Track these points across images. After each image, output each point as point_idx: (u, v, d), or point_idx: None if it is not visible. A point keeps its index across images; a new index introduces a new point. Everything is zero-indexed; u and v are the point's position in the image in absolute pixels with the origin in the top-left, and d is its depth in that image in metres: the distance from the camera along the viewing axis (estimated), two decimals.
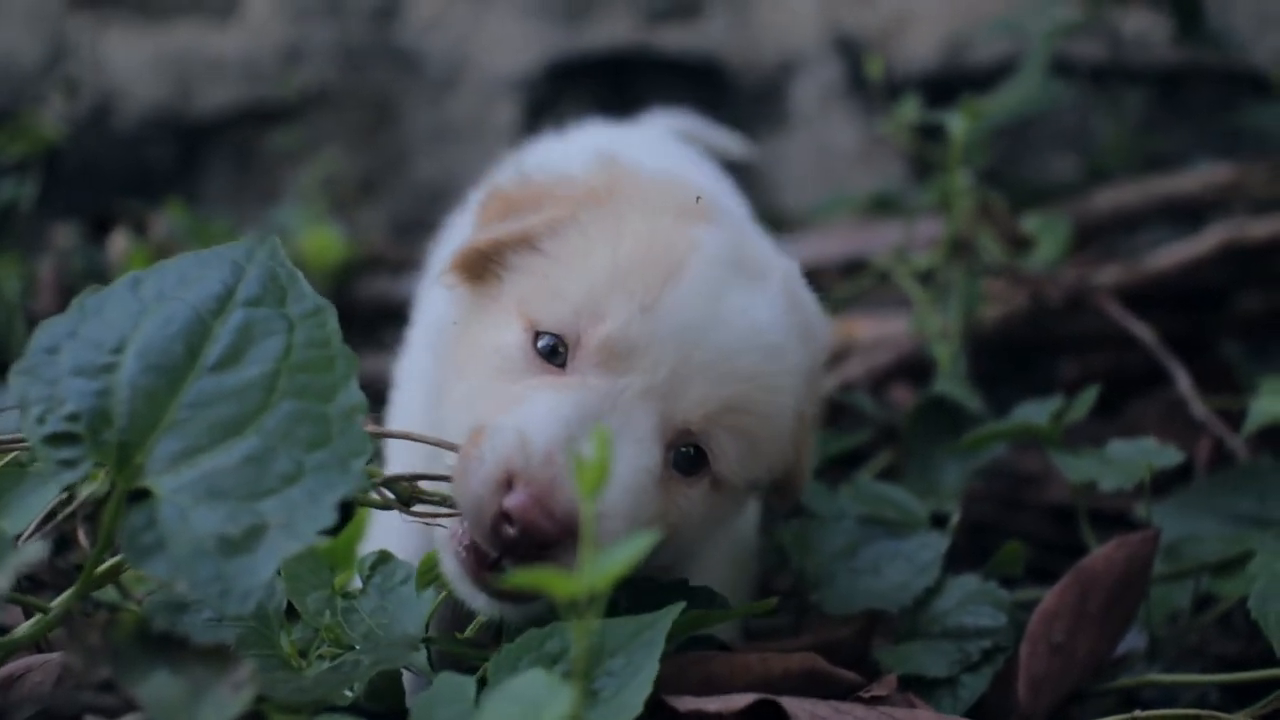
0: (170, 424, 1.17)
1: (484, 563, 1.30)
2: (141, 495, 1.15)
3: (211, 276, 1.26)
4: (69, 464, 1.16)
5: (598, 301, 1.37)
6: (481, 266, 1.49)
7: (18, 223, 2.99)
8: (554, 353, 1.39)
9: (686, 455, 1.41)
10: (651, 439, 1.36)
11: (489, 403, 1.37)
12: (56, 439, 1.16)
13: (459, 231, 1.80)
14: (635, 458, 1.34)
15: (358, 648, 1.31)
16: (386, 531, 1.65)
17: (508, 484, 1.26)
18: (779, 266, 1.52)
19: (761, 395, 1.41)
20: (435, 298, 1.64)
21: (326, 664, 1.30)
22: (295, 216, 3.15)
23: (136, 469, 1.15)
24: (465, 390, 1.43)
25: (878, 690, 1.46)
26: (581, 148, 1.67)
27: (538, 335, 1.40)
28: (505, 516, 1.25)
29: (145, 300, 1.24)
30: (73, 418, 1.16)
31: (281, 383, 1.20)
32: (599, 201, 1.47)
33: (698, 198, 1.49)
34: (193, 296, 1.24)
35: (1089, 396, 1.90)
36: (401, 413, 1.74)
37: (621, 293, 1.37)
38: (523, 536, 1.25)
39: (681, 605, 1.29)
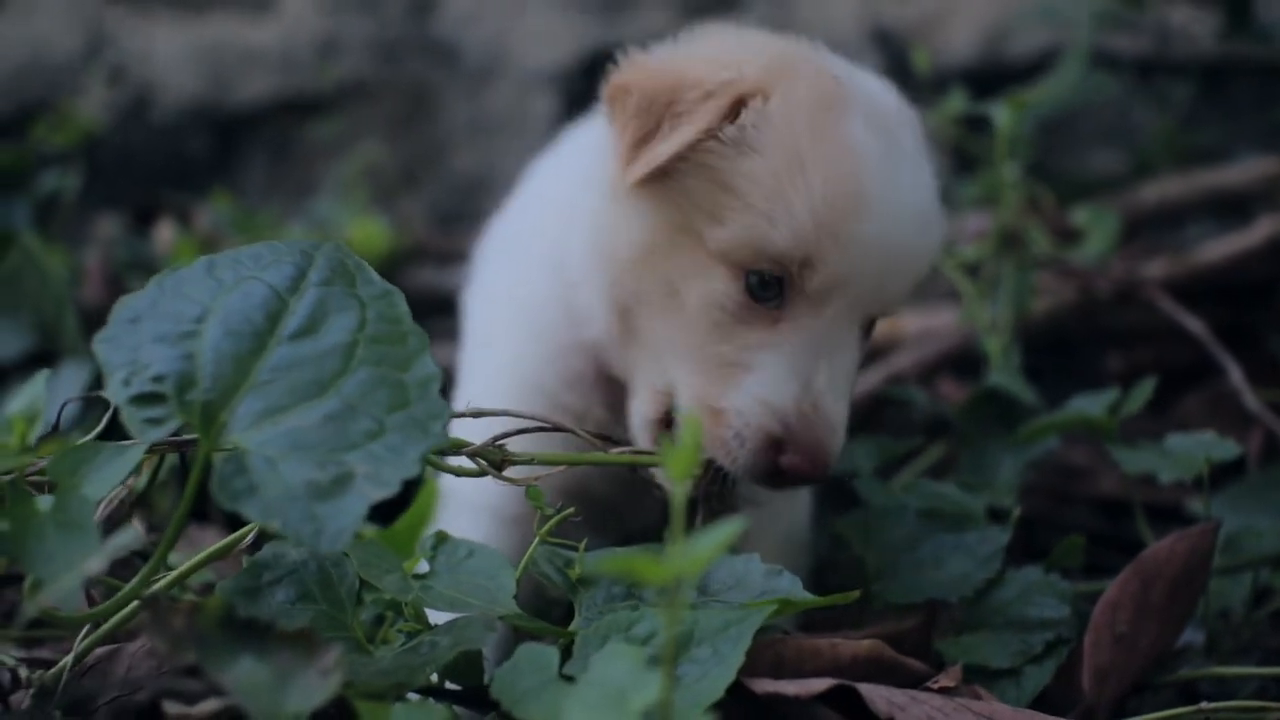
0: (253, 385, 1.21)
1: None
2: (225, 453, 1.17)
3: (284, 262, 1.30)
4: (155, 422, 1.18)
5: (806, 248, 1.43)
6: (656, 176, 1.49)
7: (62, 213, 3.00)
8: (765, 287, 1.46)
9: (866, 327, 1.55)
10: (856, 341, 1.52)
11: (710, 369, 1.47)
12: (142, 399, 1.19)
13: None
14: (849, 365, 1.50)
15: (435, 625, 1.32)
16: (455, 519, 1.65)
17: (776, 447, 1.43)
18: (894, 108, 1.57)
19: (931, 261, 1.57)
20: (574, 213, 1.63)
21: (399, 646, 1.31)
22: (336, 208, 3.15)
23: (220, 427, 1.19)
24: (673, 341, 1.49)
25: (945, 681, 1.46)
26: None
27: (747, 273, 1.45)
28: (781, 472, 1.44)
29: (222, 280, 1.28)
30: (158, 379, 1.20)
31: (359, 352, 1.24)
32: (755, 96, 1.47)
33: (835, 78, 1.51)
34: (268, 277, 1.29)
35: (1145, 389, 1.90)
36: (479, 387, 1.73)
37: (827, 237, 1.43)
38: (794, 483, 1.46)
39: (774, 604, 1.30)
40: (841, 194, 1.43)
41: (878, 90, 1.59)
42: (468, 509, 1.65)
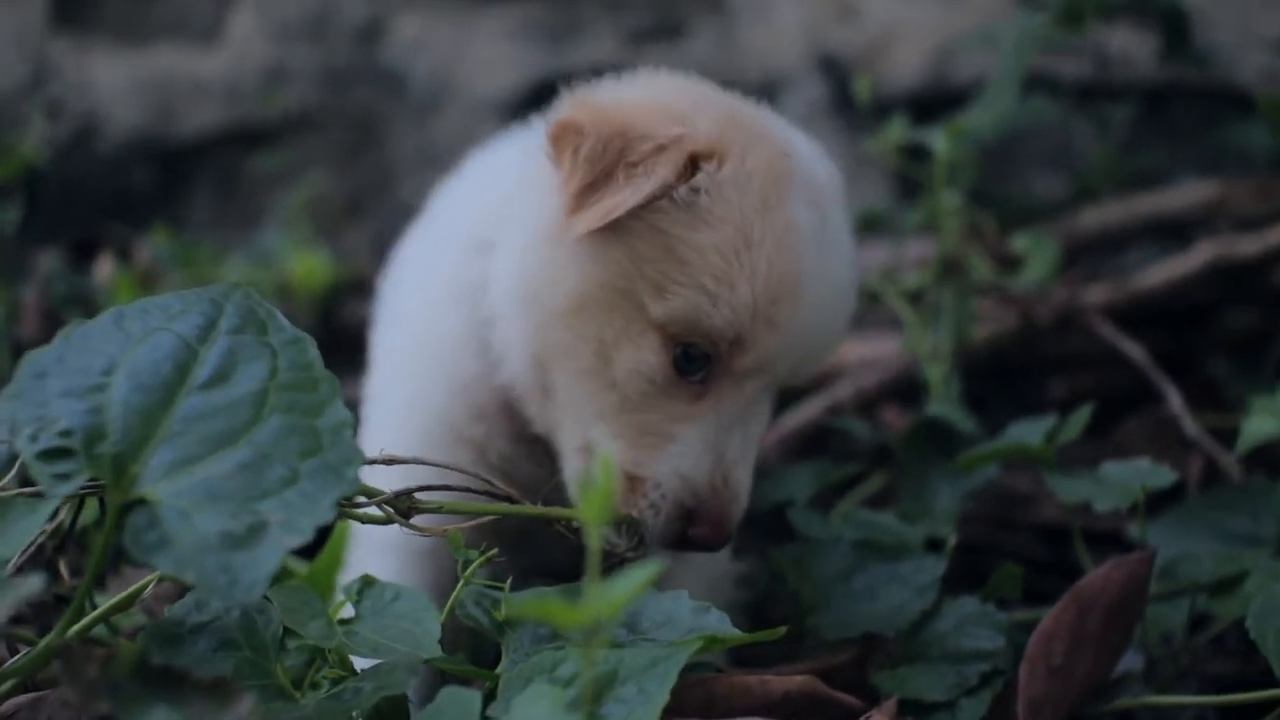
0: (164, 437, 1.20)
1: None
2: (138, 504, 1.16)
3: (193, 311, 1.30)
4: (64, 477, 1.17)
5: (740, 329, 1.45)
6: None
7: (1, 248, 2.98)
8: (690, 361, 1.47)
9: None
10: (768, 409, 1.56)
11: (632, 435, 1.48)
12: (50, 454, 1.18)
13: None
14: (759, 431, 1.54)
15: (360, 671, 1.31)
16: (366, 556, 1.65)
17: (686, 517, 1.47)
18: (826, 178, 1.58)
19: (845, 332, 1.62)
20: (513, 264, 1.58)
21: (324, 692, 1.30)
22: (281, 240, 3.13)
23: (132, 479, 1.17)
24: (595, 400, 1.50)
25: (878, 715, 1.46)
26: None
27: (675, 345, 1.47)
28: (687, 540, 1.48)
29: (130, 332, 1.27)
30: (66, 434, 1.19)
31: (270, 399, 1.23)
32: (710, 158, 1.46)
33: (783, 153, 1.51)
34: (177, 327, 1.28)
35: (1082, 416, 1.90)
36: (385, 431, 1.71)
37: (762, 321, 1.45)
38: (698, 549, 1.50)
39: (699, 641, 1.29)
40: (781, 278, 1.45)
41: (812, 159, 1.60)
42: (378, 546, 1.65)
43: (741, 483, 1.50)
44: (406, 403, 1.69)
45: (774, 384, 1.53)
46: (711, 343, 1.46)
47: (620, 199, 1.43)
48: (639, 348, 1.47)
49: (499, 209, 1.61)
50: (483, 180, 1.76)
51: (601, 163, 1.45)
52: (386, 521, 1.35)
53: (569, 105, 1.53)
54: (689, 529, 1.47)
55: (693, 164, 1.46)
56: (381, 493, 1.33)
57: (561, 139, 1.49)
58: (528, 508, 1.41)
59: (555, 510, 1.42)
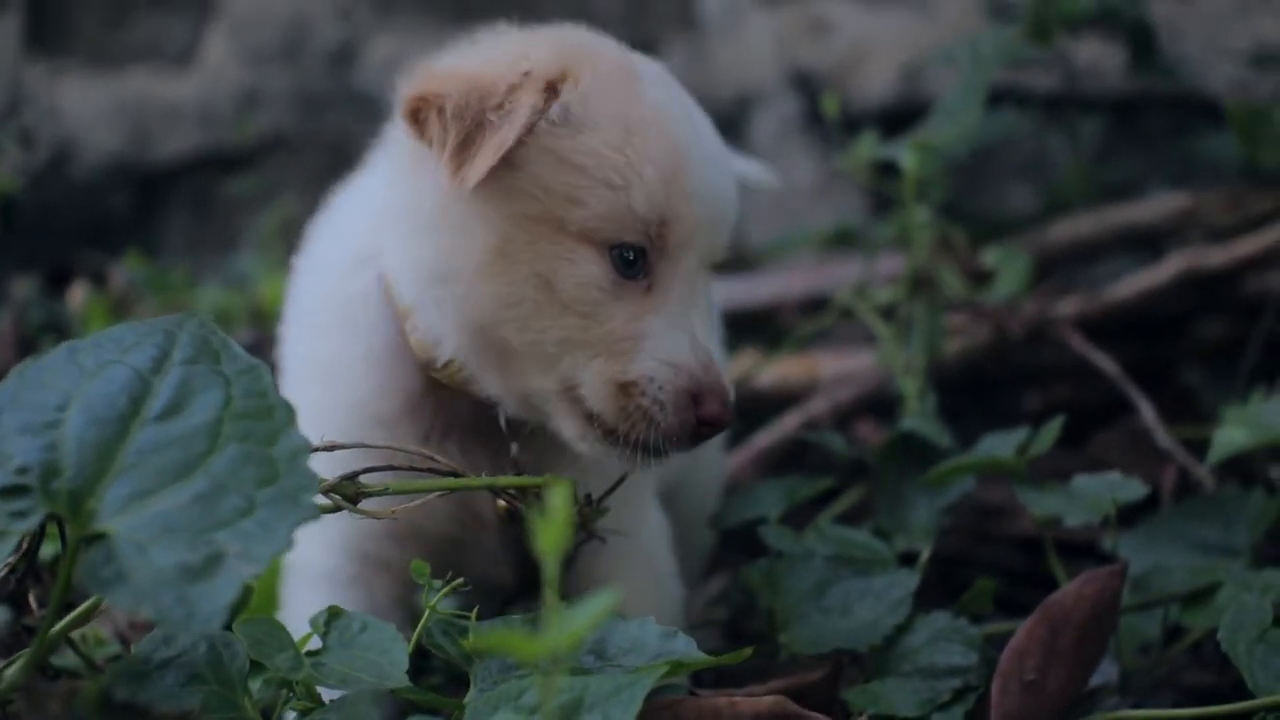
0: (119, 471, 1.20)
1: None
2: (96, 539, 1.17)
3: (146, 343, 1.30)
4: (21, 515, 1.18)
5: (660, 209, 1.48)
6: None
7: None
8: (629, 265, 1.50)
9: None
10: (708, 287, 1.58)
11: (606, 347, 1.49)
12: (7, 492, 1.19)
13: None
14: (709, 310, 1.57)
15: (328, 702, 1.30)
16: (299, 589, 1.67)
17: (693, 401, 1.48)
18: (660, 70, 1.62)
19: (738, 196, 1.63)
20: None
21: None
22: (255, 264, 3.13)
23: (89, 514, 1.18)
24: (557, 332, 1.50)
25: None
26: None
27: (611, 250, 1.49)
28: (705, 423, 1.49)
29: (84, 366, 1.28)
30: (21, 471, 1.19)
31: (225, 429, 1.24)
32: (564, 80, 1.50)
33: (621, 53, 1.58)
34: (131, 360, 1.28)
35: (1053, 429, 1.90)
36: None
37: (675, 194, 1.49)
38: (711, 433, 1.51)
39: (664, 667, 1.29)
40: (673, 151, 1.50)
41: (644, 58, 1.63)
42: (307, 578, 1.66)
43: (720, 356, 1.55)
44: (310, 428, 1.67)
45: (705, 259, 1.56)
46: (641, 233, 1.49)
47: (504, 134, 1.46)
48: (574, 263, 1.49)
49: (374, 221, 1.62)
50: (349, 204, 1.75)
51: (469, 115, 1.47)
52: (335, 509, 1.35)
53: (410, 84, 1.54)
54: (698, 411, 1.49)
55: (551, 90, 1.49)
56: (325, 480, 1.33)
57: (420, 111, 1.50)
58: (473, 480, 1.42)
59: (503, 479, 1.43)
